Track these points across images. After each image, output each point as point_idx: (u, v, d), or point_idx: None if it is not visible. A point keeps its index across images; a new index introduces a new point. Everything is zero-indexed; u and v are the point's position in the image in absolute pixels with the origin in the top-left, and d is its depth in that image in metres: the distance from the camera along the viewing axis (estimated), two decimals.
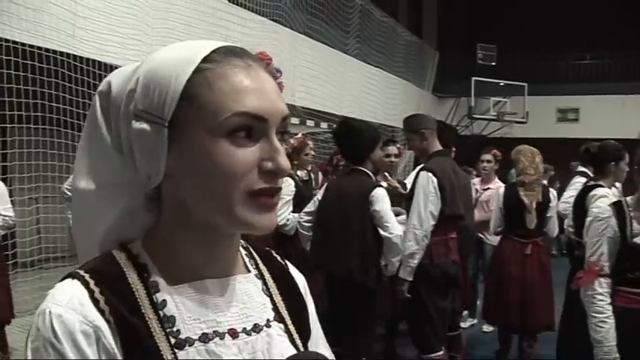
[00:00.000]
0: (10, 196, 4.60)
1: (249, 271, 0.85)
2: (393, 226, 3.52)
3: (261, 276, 0.86)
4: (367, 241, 3.53)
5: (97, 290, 0.71)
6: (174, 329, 0.73)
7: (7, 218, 4.17)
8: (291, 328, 0.84)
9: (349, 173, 3.77)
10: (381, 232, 3.52)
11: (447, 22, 17.35)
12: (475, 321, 6.09)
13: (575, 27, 16.05)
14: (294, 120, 8.14)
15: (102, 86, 0.80)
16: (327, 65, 9.82)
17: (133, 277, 0.74)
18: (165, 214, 0.77)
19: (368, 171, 3.68)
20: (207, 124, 0.71)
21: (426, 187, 3.63)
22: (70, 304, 0.70)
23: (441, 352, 3.78)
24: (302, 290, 0.91)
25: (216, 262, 0.79)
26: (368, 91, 11.69)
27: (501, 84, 15.46)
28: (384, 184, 4.34)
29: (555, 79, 15.86)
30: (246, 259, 0.87)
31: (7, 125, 5.20)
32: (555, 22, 16.50)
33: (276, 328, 0.82)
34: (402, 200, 4.25)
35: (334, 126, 10.14)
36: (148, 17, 6.34)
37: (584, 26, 15.98)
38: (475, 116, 15.19)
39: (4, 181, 4.70)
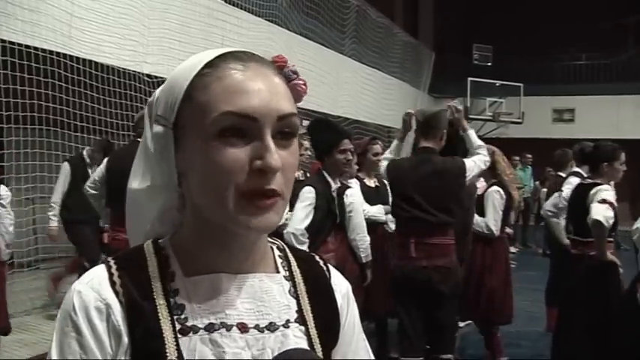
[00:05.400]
0: None
1: (278, 272, 0.87)
2: (290, 223, 3.65)
3: (291, 278, 0.87)
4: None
5: (116, 274, 0.79)
6: (182, 316, 0.78)
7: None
8: (313, 331, 0.84)
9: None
10: None
11: (443, 22, 17.39)
12: (471, 321, 6.09)
13: (570, 28, 16.09)
14: None
15: (151, 97, 0.87)
16: (323, 66, 9.82)
17: (153, 266, 0.81)
18: (188, 212, 0.83)
19: (324, 171, 3.76)
20: (200, 125, 0.75)
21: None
22: (90, 283, 0.78)
23: None
24: (340, 297, 0.91)
25: (232, 258, 0.81)
26: (364, 92, 11.70)
27: (497, 84, 15.52)
28: (372, 182, 4.65)
29: (551, 80, 15.92)
30: (279, 260, 0.88)
31: (4, 126, 5.20)
32: (551, 23, 16.55)
33: (295, 329, 0.83)
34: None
35: None
36: (145, 18, 6.35)
37: (580, 27, 16.03)
38: (471, 117, 15.20)
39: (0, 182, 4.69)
